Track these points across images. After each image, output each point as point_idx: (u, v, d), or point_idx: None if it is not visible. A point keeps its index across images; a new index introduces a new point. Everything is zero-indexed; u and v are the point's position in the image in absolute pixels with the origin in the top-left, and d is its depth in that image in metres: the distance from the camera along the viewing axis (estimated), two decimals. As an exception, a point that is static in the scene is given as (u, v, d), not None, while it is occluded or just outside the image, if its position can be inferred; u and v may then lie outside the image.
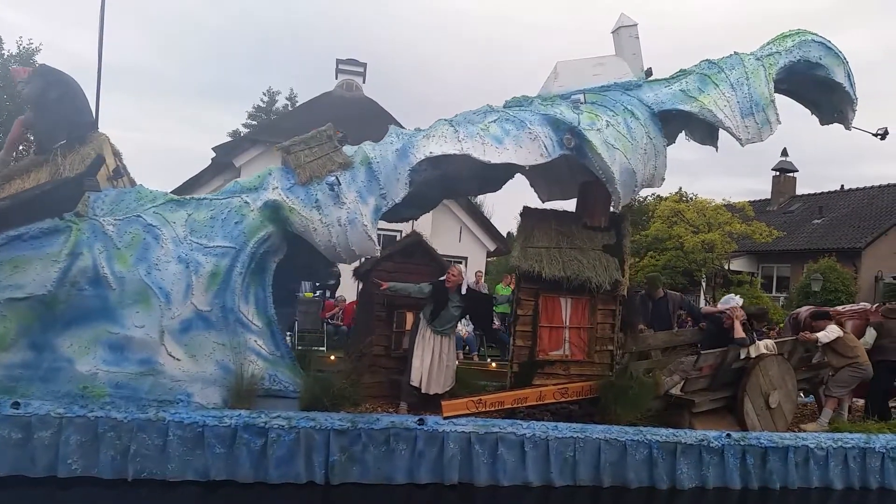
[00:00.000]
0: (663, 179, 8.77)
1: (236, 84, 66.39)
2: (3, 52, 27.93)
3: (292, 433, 7.10)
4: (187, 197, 8.08)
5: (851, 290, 24.83)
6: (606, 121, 8.17)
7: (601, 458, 7.86)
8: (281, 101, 45.71)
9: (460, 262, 18.79)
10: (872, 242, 27.90)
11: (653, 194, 36.57)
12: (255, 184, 8.00)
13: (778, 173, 36.32)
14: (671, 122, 9.05)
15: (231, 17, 71.65)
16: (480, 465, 7.53)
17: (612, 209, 9.08)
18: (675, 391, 8.84)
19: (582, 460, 7.83)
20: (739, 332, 8.77)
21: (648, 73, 9.29)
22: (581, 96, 8.29)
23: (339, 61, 23.96)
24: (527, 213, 9.17)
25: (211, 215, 7.79)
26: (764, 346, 8.96)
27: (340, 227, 7.68)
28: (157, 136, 63.66)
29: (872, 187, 32.56)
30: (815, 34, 9.11)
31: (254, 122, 43.74)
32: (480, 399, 7.91)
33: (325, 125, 8.05)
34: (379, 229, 8.08)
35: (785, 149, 35.91)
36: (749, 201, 31.73)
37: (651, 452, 8.01)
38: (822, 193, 34.65)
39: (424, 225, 21.53)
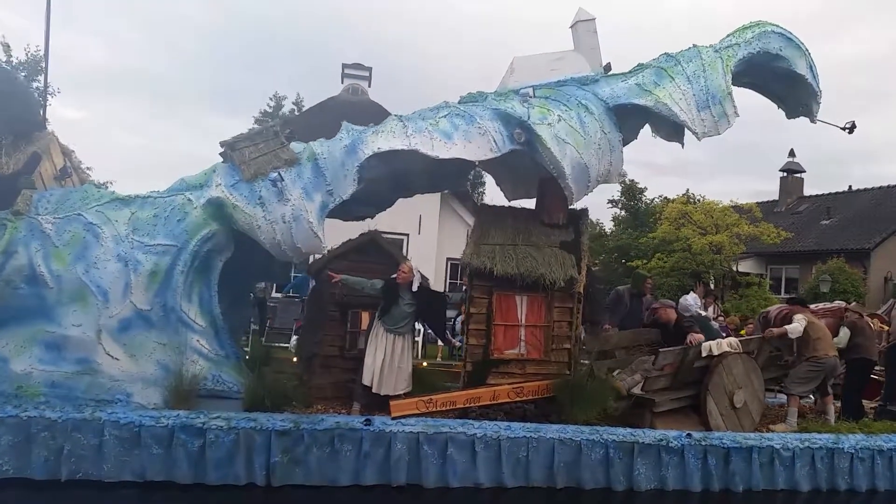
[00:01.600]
0: (620, 175, 8.65)
1: (242, 89, 66.60)
2: (11, 59, 28.18)
3: (232, 434, 6.98)
4: (133, 195, 7.96)
5: (860, 292, 24.67)
6: (558, 115, 8.07)
7: (555, 458, 7.69)
8: (287, 106, 45.75)
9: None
10: (881, 243, 27.66)
11: (660, 196, 36.42)
12: (200, 181, 7.92)
13: (785, 174, 36.10)
14: (630, 118, 8.94)
15: (236, 21, 71.99)
16: (429, 466, 7.39)
17: (570, 206, 8.92)
18: (637, 391, 8.65)
19: (535, 461, 7.67)
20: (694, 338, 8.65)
21: (607, 68, 9.19)
22: (530, 90, 8.18)
23: (344, 66, 24.08)
24: (483, 210, 9.08)
25: (154, 213, 7.72)
26: (727, 343, 8.77)
27: (285, 225, 7.57)
28: (162, 141, 63.89)
29: (881, 188, 32.32)
30: (776, 25, 9.00)
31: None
32: (431, 399, 7.77)
33: (273, 121, 7.92)
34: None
35: (792, 149, 35.70)
36: (757, 202, 31.60)
37: (607, 452, 7.84)
38: (830, 194, 34.41)
39: (430, 227, 21.64)
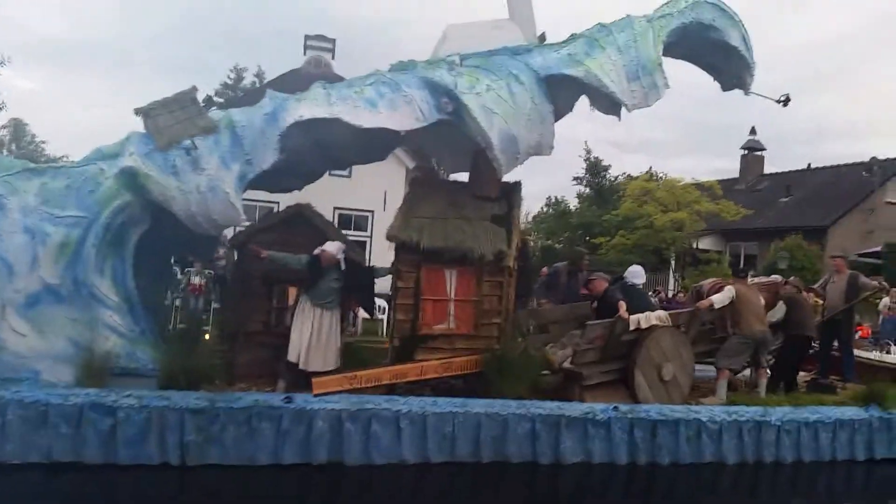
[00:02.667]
0: (552, 147, 8.51)
1: (202, 60, 65.06)
2: None
3: (143, 412, 6.78)
4: (45, 165, 7.63)
5: (817, 268, 25.07)
6: (487, 85, 7.89)
7: (481, 433, 7.61)
8: (248, 79, 44.70)
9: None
10: (838, 220, 28.11)
11: (623, 173, 36.65)
12: (115, 150, 7.60)
13: (746, 152, 36.48)
14: (564, 89, 8.78)
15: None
16: (352, 444, 7.26)
17: (503, 179, 8.77)
18: (567, 364, 8.59)
19: (461, 436, 7.58)
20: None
21: (542, 38, 9.04)
22: (456, 57, 7.97)
23: (307, 37, 23.51)
24: (415, 182, 8.91)
25: (66, 184, 7.42)
26: (656, 317, 8.73)
27: (200, 195, 7.33)
28: (124, 112, 62.23)
29: (839, 166, 32.75)
30: (710, -6, 8.87)
31: (220, 100, 42.64)
32: (355, 375, 7.63)
33: (189, 87, 7.62)
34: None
35: (753, 127, 36.08)
36: (718, 180, 31.99)
37: (534, 426, 7.79)
38: (789, 172, 34.84)
39: (396, 203, 20.98)
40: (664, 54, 9.41)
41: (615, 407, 8.13)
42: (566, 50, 8.47)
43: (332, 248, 7.91)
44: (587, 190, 39.68)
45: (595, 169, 39.03)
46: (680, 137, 72.99)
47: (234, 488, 6.80)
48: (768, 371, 9.97)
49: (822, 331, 11.30)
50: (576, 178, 40.04)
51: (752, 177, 36.19)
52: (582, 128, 71.79)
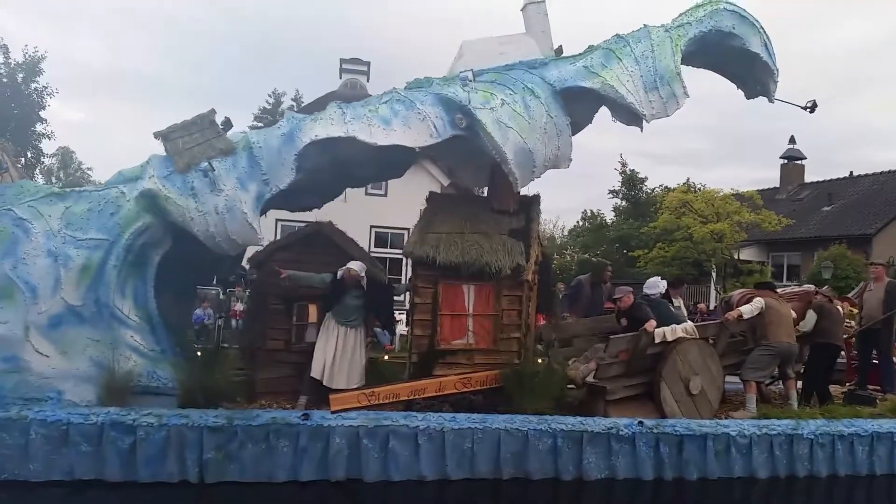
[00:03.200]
0: (570, 160, 8.46)
1: (241, 87, 66.57)
2: (10, 60, 28.27)
3: (163, 431, 6.88)
4: (69, 189, 7.83)
5: (862, 277, 24.51)
6: (502, 99, 7.89)
7: (501, 449, 7.55)
8: (286, 103, 45.51)
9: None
10: (883, 228, 27.59)
11: (660, 185, 36.40)
12: (136, 173, 7.76)
13: (786, 161, 36.10)
14: (581, 101, 8.76)
15: (235, 20, 71.88)
16: (370, 460, 7.27)
17: (521, 193, 8.76)
18: (591, 379, 8.49)
19: (480, 452, 7.54)
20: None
21: (559, 51, 9.01)
22: (469, 73, 7.99)
23: (342, 61, 24.03)
24: (432, 198, 8.93)
25: (88, 207, 7.58)
26: (682, 329, 8.59)
27: (218, 216, 7.43)
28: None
29: (882, 173, 32.19)
30: (729, 2, 8.78)
31: (260, 125, 43.55)
32: (373, 392, 7.64)
33: (207, 110, 7.76)
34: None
35: (793, 136, 35.76)
36: (758, 190, 31.64)
37: (555, 442, 7.70)
38: (831, 180, 34.39)
39: None
40: (685, 64, 9.33)
41: (640, 422, 8.00)
42: (582, 62, 8.44)
43: (356, 266, 7.98)
44: (623, 203, 39.44)
45: (631, 181, 38.85)
46: (717, 148, 72.26)
47: (253, 505, 6.85)
48: (798, 383, 9.75)
49: (860, 340, 11.02)
50: (612, 192, 39.88)
51: (793, 186, 35.79)
52: (616, 141, 71.46)
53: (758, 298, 9.24)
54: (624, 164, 38.49)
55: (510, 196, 8.72)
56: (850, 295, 11.39)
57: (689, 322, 8.90)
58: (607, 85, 8.19)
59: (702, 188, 31.90)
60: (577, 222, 45.61)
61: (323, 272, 8.14)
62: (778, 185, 36.77)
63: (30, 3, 60.07)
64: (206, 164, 7.36)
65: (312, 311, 8.51)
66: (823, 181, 34.91)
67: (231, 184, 7.48)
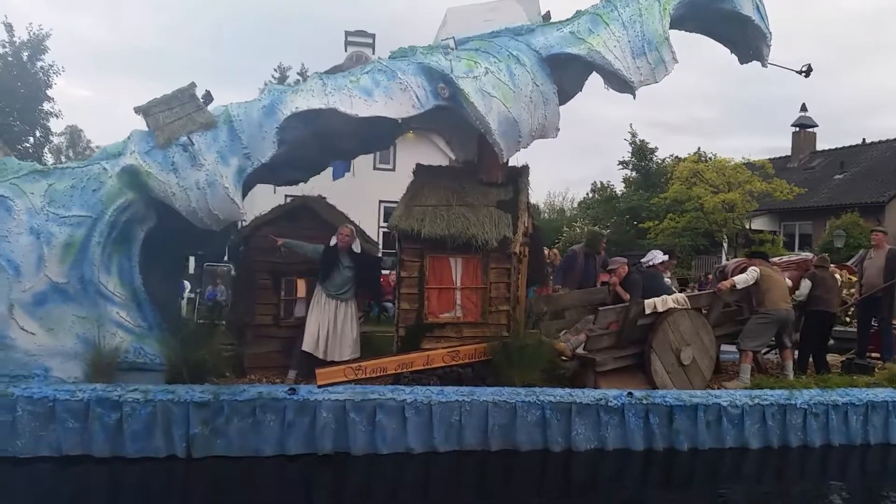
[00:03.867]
0: (558, 129, 8.39)
1: (246, 61, 66.30)
2: (14, 38, 28.27)
3: (149, 406, 6.93)
4: (52, 167, 7.83)
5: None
6: (486, 68, 7.81)
7: (489, 421, 7.57)
8: (292, 77, 45.28)
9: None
10: None
11: (671, 156, 36.11)
12: (119, 149, 7.74)
13: (798, 129, 35.69)
14: (570, 69, 8.69)
15: (239, -3, 71.52)
16: (357, 434, 7.30)
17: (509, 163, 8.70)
18: (581, 350, 8.48)
19: (468, 424, 7.56)
20: (623, 295, 8.44)
21: (546, 17, 8.89)
22: (451, 41, 7.89)
23: (347, 33, 23.96)
24: (419, 170, 8.89)
25: (71, 184, 7.58)
26: (673, 300, 8.55)
27: (199, 191, 7.41)
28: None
29: (895, 140, 31.77)
30: (719, -37, 8.60)
31: None
32: (360, 366, 7.67)
33: (188, 83, 7.72)
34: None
35: (804, 104, 35.33)
36: (769, 159, 31.66)
37: (544, 414, 7.71)
38: (843, 148, 34.11)
39: None
40: (676, 28, 9.23)
41: (629, 393, 7.99)
42: (569, 28, 8.33)
43: (348, 231, 7.98)
44: (633, 174, 39.12)
45: (641, 152, 38.44)
46: (728, 116, 71.56)
47: (240, 479, 6.91)
48: (794, 352, 9.71)
49: (860, 309, 10.95)
50: (621, 163, 39.53)
51: (805, 154, 35.50)
52: (626, 110, 70.87)
53: (752, 268, 9.19)
54: (634, 135, 38.08)
55: (498, 167, 8.66)
56: (849, 263, 11.28)
57: (680, 293, 8.82)
58: (594, 51, 8.09)
59: (713, 157, 31.68)
60: (587, 194, 45.35)
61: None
62: (789, 153, 36.43)
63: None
64: (186, 138, 7.33)
65: (301, 285, 8.52)
66: (835, 149, 34.59)
67: (212, 158, 7.45)
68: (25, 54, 29.22)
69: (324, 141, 8.24)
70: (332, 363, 7.91)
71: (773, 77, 68.74)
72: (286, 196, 20.75)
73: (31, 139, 30.53)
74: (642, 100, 67.64)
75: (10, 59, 28.76)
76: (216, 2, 72.59)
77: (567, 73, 8.81)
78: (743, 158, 29.05)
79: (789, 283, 9.56)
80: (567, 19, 8.59)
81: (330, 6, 69.82)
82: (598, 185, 43.76)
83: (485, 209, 8.28)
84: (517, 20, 8.59)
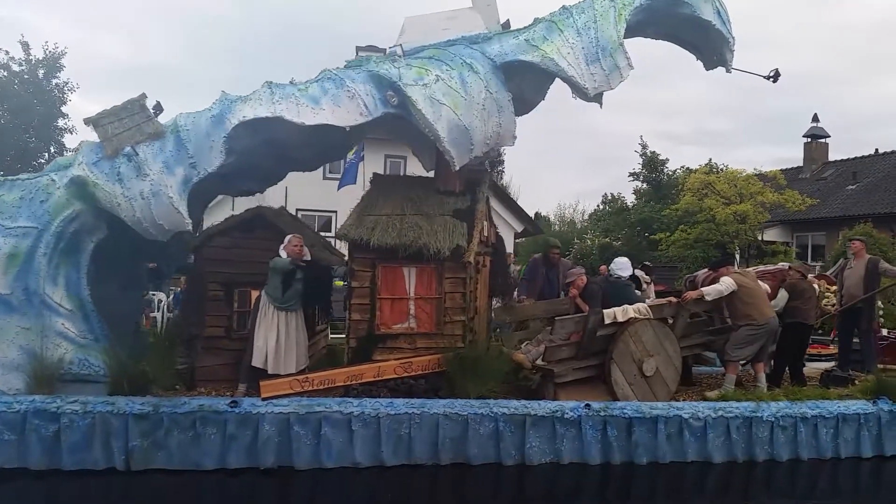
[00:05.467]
0: (514, 137, 8.28)
1: (259, 76, 66.87)
2: (30, 56, 28.73)
3: (88, 418, 6.87)
4: (2, 178, 7.85)
5: (889, 256, 24.13)
6: (437, 75, 7.72)
7: (440, 434, 7.43)
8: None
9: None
10: None
11: (682, 167, 35.92)
12: (69, 161, 7.75)
13: (809, 140, 35.53)
14: (528, 77, 8.56)
15: (255, 12, 72.35)
16: (301, 447, 7.19)
17: (469, 172, 8.60)
18: (540, 362, 8.33)
19: (418, 437, 7.43)
20: (582, 307, 8.28)
21: (506, 25, 8.79)
22: (398, 49, 7.83)
23: (358, 49, 24.23)
24: (376, 180, 8.79)
25: (20, 195, 7.61)
26: (634, 310, 8.36)
27: (144, 201, 7.37)
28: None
29: (908, 150, 31.41)
30: (677, -32, 8.46)
31: None
32: (307, 378, 7.57)
33: (139, 94, 7.71)
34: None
35: (816, 114, 35.13)
36: (781, 170, 31.26)
37: (497, 426, 7.55)
38: (855, 158, 33.81)
39: None
40: (639, 35, 9.13)
41: (587, 405, 7.82)
42: (524, 35, 8.22)
43: (297, 241, 7.91)
44: (644, 185, 38.87)
45: (652, 163, 38.20)
46: (739, 127, 71.05)
47: (180, 493, 6.83)
48: (771, 363, 9.50)
49: (841, 320, 10.70)
50: (632, 174, 39.29)
51: (817, 165, 35.25)
52: (636, 122, 70.67)
53: (725, 278, 8.98)
54: (644, 146, 37.88)
55: (456, 176, 8.54)
56: (828, 272, 11.03)
57: (643, 303, 8.63)
58: (547, 58, 7.97)
59: (724, 169, 31.42)
60: (598, 206, 45.11)
61: (265, 258, 8.06)
62: (801, 164, 36.17)
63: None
64: (129, 148, 7.30)
65: (255, 296, 8.42)
66: (848, 159, 34.25)
67: (157, 168, 7.41)
68: (41, 72, 29.63)
69: (277, 150, 8.18)
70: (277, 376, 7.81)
71: (785, 88, 68.05)
72: (297, 210, 20.83)
73: (46, 155, 30.87)
74: (653, 112, 67.56)
75: (26, 76, 29.17)
76: (231, 18, 73.42)
77: (527, 81, 8.70)
78: (755, 169, 28.85)
79: (768, 290, 9.37)
80: (524, 27, 8.49)
81: (343, 22, 70.37)
82: (609, 197, 43.58)
83: (440, 218, 8.16)
84: (475, 28, 8.49)
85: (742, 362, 9.74)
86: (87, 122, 7.70)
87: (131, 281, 8.86)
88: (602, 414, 7.78)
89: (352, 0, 77.54)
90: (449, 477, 7.39)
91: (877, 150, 33.42)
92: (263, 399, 7.26)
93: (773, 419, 8.14)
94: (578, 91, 8.48)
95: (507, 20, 8.85)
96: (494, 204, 22.40)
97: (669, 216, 30.02)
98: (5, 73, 28.19)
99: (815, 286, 10.00)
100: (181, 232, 7.86)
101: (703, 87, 73.74)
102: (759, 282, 9.41)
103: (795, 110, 68.32)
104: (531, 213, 31.27)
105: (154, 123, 7.66)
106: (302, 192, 21.05)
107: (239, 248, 8.26)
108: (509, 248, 19.63)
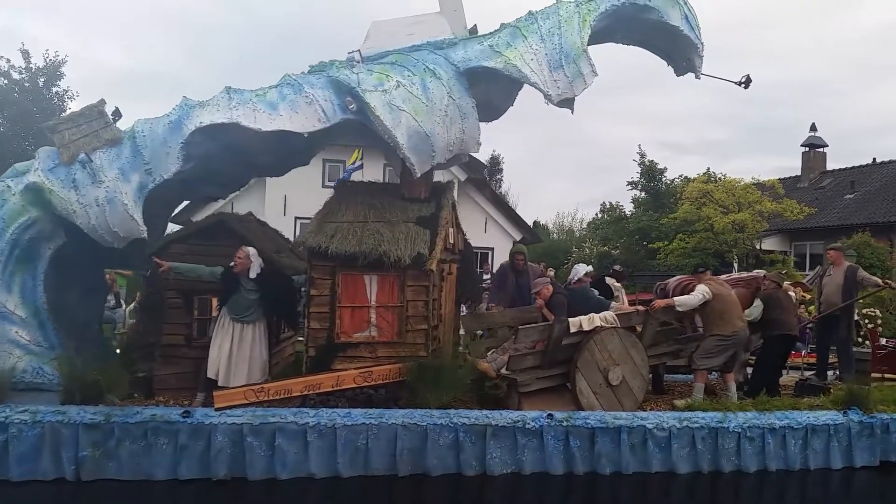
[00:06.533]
0: (479, 144, 8.21)
1: (258, 83, 66.66)
2: (31, 65, 28.82)
3: (37, 428, 6.77)
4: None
5: (887, 265, 24.18)
6: (398, 81, 7.64)
7: (398, 444, 7.32)
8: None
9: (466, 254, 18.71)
10: None
11: (681, 176, 35.99)
12: (26, 167, 7.68)
13: (807, 149, 35.46)
14: (495, 83, 8.49)
15: (254, 20, 72.53)
16: (255, 458, 7.07)
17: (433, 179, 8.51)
18: (505, 371, 8.22)
19: (375, 448, 7.31)
20: (549, 316, 8.18)
21: (473, 30, 8.71)
22: (356, 54, 7.75)
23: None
24: (339, 187, 8.70)
25: (-24, 203, 7.49)
26: (601, 318, 8.25)
27: (98, 208, 7.31)
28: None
29: (906, 159, 31.36)
30: (644, -26, 8.37)
31: None
32: (262, 388, 7.44)
33: (97, 100, 7.64)
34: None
35: (814, 124, 35.41)
36: (779, 179, 31.26)
37: (457, 437, 7.44)
38: (853, 168, 33.82)
39: None
40: (609, 41, 9.04)
41: (549, 414, 7.70)
42: (489, 41, 8.15)
43: (243, 253, 7.77)
44: (643, 194, 38.79)
45: (650, 172, 38.15)
46: (737, 137, 70.93)
47: (131, 503, 6.72)
48: (745, 372, 9.38)
49: (818, 328, 10.57)
50: (631, 183, 39.21)
51: (815, 174, 35.27)
52: (635, 131, 70.68)
53: (700, 286, 8.87)
54: (643, 155, 37.84)
55: (421, 183, 8.45)
56: (804, 280, 10.90)
57: (609, 311, 8.52)
58: (510, 64, 7.88)
59: (722, 178, 31.39)
60: (597, 214, 45.12)
61: (226, 265, 7.95)
62: (799, 173, 36.16)
63: (50, 7, 61.23)
64: (84, 155, 7.23)
65: (216, 304, 8.33)
66: (846, 168, 34.27)
67: (113, 175, 7.34)
68: (42, 80, 29.70)
69: (237, 156, 8.10)
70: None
71: (783, 98, 67.96)
72: (295, 218, 20.57)
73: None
74: (651, 121, 67.49)
75: (26, 84, 29.23)
76: (232, 26, 73.63)
77: (495, 87, 8.63)
78: (753, 179, 28.91)
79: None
80: (490, 33, 8.41)
81: (344, 29, 70.45)
82: (608, 206, 43.54)
83: (403, 225, 8.07)
84: (441, 34, 8.42)
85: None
86: (45, 128, 7.65)
87: (93, 288, 8.77)
88: (565, 424, 7.67)
89: (354, 6, 77.64)
90: (407, 488, 7.27)
91: (874, 159, 33.46)
92: (217, 409, 7.16)
93: (739, 430, 8.01)
94: (545, 97, 8.39)
95: (475, 25, 8.78)
96: (493, 212, 22.54)
97: (668, 225, 30.04)
98: (5, 81, 28.24)
99: (792, 294, 9.88)
100: (139, 239, 7.78)
101: (702, 97, 73.65)
102: (729, 288, 9.29)
103: (793, 120, 68.18)
104: (530, 222, 31.23)
105: (112, 129, 7.60)
106: (300, 199, 21.02)
107: (198, 256, 8.14)
108: (505, 257, 19.52)
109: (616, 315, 8.47)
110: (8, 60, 28.60)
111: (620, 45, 9.32)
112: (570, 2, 8.27)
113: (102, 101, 7.72)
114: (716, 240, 26.61)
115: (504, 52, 7.95)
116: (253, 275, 7.76)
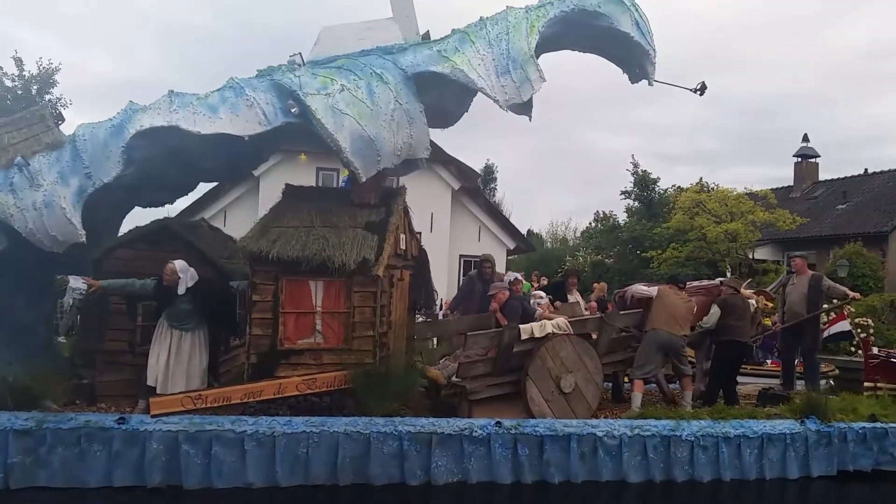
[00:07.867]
0: (428, 149, 8.13)
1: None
2: (24, 73, 28.88)
3: (-35, 434, 6.64)
4: None
5: (879, 275, 24.10)
6: (342, 85, 7.57)
7: (339, 453, 7.19)
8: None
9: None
10: None
11: (674, 186, 35.93)
12: (-33, 171, 7.57)
13: (800, 159, 35.45)
14: (450, 88, 8.40)
15: (246, 26, 72.67)
16: (190, 466, 6.95)
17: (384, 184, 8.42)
18: (455, 378, 8.11)
19: (316, 457, 7.18)
20: (502, 321, 8.08)
21: (426, 36, 8.66)
22: (298, 57, 7.68)
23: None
24: (287, 191, 8.61)
25: (-84, 207, 7.39)
26: (553, 325, 8.15)
27: (36, 212, 7.22)
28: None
29: (897, 170, 31.36)
30: (594, -19, 8.29)
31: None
32: (200, 395, 7.33)
33: (38, 105, 7.57)
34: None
35: (806, 134, 35.22)
36: (771, 189, 31.23)
37: (402, 445, 7.31)
38: (845, 178, 33.81)
39: (442, 225, 21.68)
40: (561, 48, 8.98)
41: (497, 422, 7.57)
42: (438, 46, 8.07)
43: (171, 266, 7.62)
44: (636, 203, 38.70)
45: (643, 182, 38.02)
46: (730, 147, 70.90)
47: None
48: (704, 381, 9.24)
49: (783, 337, 10.43)
50: (624, 192, 39.11)
51: (807, 184, 35.22)
52: (628, 141, 70.76)
53: (654, 288, 8.81)
54: (636, 165, 37.74)
55: (370, 188, 8.36)
56: (768, 289, 10.78)
57: (562, 319, 8.41)
58: (457, 69, 7.81)
59: (715, 188, 31.35)
60: (590, 224, 44.88)
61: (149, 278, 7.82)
62: (792, 183, 36.08)
63: (43, 15, 61.43)
64: (20, 159, 7.16)
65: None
66: (838, 179, 34.24)
67: (51, 178, 7.26)
68: (35, 88, 29.71)
69: (181, 160, 8.01)
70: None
71: (775, 108, 67.96)
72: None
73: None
74: (644, 131, 67.51)
75: (19, 92, 29.22)
76: (225, 34, 73.90)
77: (447, 93, 8.55)
78: (745, 189, 28.85)
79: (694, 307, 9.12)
80: (440, 38, 8.34)
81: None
82: (601, 215, 43.38)
83: (350, 230, 7.96)
84: (392, 39, 8.35)
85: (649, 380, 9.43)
86: (-15, 132, 7.58)
87: (39, 293, 8.66)
88: (513, 432, 7.54)
89: (349, 17, 77.75)
90: (349, 497, 7.14)
91: (866, 169, 33.42)
92: (153, 416, 7.05)
93: (693, 438, 7.89)
94: (517, 106, 8.31)
95: (427, 31, 8.72)
96: (487, 221, 22.47)
97: (661, 234, 30.00)
98: (-1, 89, 28.22)
99: (752, 302, 9.75)
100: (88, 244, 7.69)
101: (695, 107, 73.78)
102: (689, 298, 9.18)
103: (786, 130, 68.17)
104: (523, 231, 31.19)
105: (53, 133, 7.54)
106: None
107: (143, 261, 8.01)
108: (500, 267, 19.44)
109: (569, 322, 8.36)
110: (1, 68, 28.63)
111: (567, 51, 9.24)
112: (520, 8, 8.20)
113: (44, 106, 7.66)
114: (708, 249, 26.63)
115: (452, 56, 7.87)
116: (182, 290, 7.59)
